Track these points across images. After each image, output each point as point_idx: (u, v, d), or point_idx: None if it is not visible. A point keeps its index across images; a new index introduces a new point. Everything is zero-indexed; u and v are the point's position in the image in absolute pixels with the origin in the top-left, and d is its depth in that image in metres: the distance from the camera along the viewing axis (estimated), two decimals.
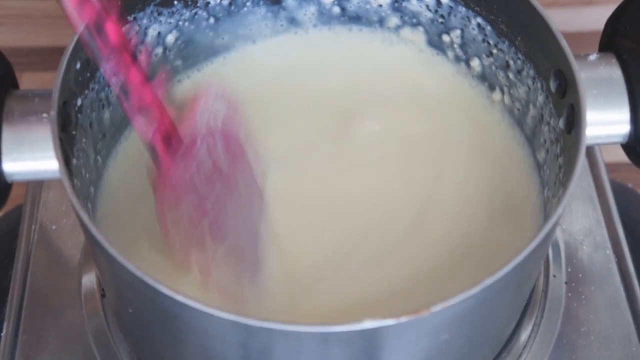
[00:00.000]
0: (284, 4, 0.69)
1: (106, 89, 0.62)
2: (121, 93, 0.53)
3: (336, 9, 0.69)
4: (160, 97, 0.54)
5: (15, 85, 0.58)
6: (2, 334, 0.64)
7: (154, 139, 0.54)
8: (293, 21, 0.70)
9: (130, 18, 0.62)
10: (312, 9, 0.69)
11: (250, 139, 0.58)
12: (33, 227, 0.69)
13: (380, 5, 0.69)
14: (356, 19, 0.70)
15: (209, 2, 0.66)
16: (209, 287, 0.56)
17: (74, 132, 0.57)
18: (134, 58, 0.52)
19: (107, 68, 0.52)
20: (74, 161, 0.56)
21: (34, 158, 0.55)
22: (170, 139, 0.54)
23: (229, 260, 0.57)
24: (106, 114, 0.63)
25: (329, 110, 0.67)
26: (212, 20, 0.67)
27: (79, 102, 0.58)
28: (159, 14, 0.64)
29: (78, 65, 0.57)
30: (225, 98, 0.56)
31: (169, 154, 0.54)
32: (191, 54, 0.68)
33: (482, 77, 0.67)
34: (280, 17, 0.69)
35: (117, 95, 0.53)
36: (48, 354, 0.63)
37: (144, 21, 0.63)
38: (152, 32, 0.64)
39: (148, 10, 0.63)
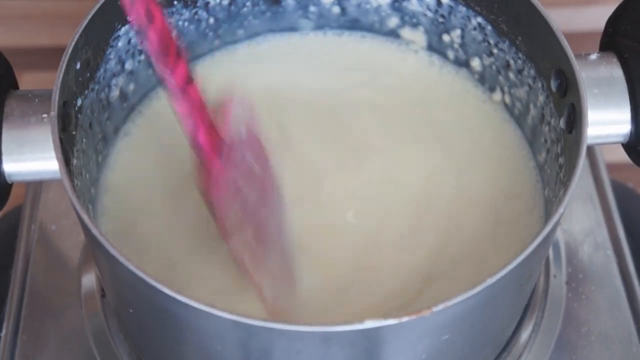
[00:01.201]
0: (283, 4, 0.69)
1: (106, 89, 0.62)
2: (171, 91, 0.52)
3: (336, 9, 0.69)
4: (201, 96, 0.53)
5: (15, 85, 0.58)
6: (2, 334, 0.64)
7: (201, 139, 0.53)
8: (293, 22, 0.70)
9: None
10: (312, 9, 0.69)
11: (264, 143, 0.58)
12: (33, 227, 0.69)
13: (380, 5, 0.69)
14: (356, 19, 0.70)
15: (208, 2, 0.66)
16: (265, 300, 0.56)
17: (74, 133, 0.57)
18: (179, 54, 0.51)
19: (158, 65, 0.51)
20: (74, 161, 0.56)
21: (34, 158, 0.55)
22: (213, 138, 0.54)
23: (274, 269, 0.57)
24: (106, 115, 0.63)
25: (328, 111, 0.67)
26: (211, 20, 0.67)
27: (79, 102, 0.58)
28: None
29: (78, 66, 0.57)
30: (245, 103, 0.56)
31: (214, 152, 0.54)
32: (190, 54, 0.68)
33: (483, 77, 0.67)
34: (281, 18, 0.69)
35: (170, 92, 0.52)
36: (48, 354, 0.63)
37: None
38: None
39: None
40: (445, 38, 0.68)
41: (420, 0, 0.67)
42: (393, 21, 0.69)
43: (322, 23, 0.70)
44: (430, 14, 0.67)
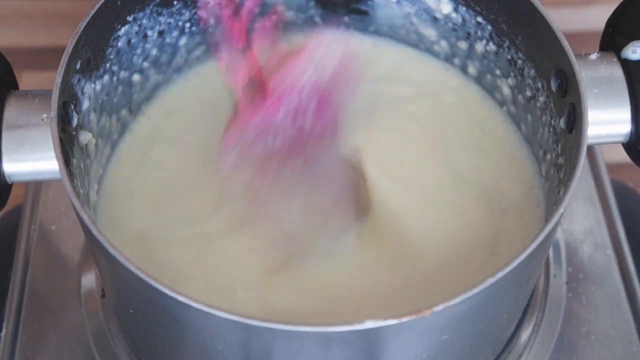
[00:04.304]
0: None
1: (107, 89, 0.62)
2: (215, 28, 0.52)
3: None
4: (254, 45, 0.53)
5: (15, 85, 0.58)
6: (1, 334, 0.64)
7: (235, 82, 0.52)
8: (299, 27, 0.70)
9: (130, 18, 0.62)
10: (315, 17, 0.69)
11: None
12: (33, 227, 0.69)
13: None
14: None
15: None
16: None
17: (73, 133, 0.57)
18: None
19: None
20: (74, 161, 0.56)
21: (34, 158, 0.55)
22: (253, 87, 0.53)
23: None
24: (107, 115, 0.63)
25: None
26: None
27: (79, 102, 0.58)
28: (159, 14, 0.64)
29: (78, 65, 0.57)
30: (337, 54, 0.54)
31: (247, 102, 0.53)
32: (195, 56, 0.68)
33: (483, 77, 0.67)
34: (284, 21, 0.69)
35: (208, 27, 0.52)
36: (48, 354, 0.63)
37: (144, 21, 0.63)
38: (151, 32, 0.64)
39: (148, 10, 0.63)
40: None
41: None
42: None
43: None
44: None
